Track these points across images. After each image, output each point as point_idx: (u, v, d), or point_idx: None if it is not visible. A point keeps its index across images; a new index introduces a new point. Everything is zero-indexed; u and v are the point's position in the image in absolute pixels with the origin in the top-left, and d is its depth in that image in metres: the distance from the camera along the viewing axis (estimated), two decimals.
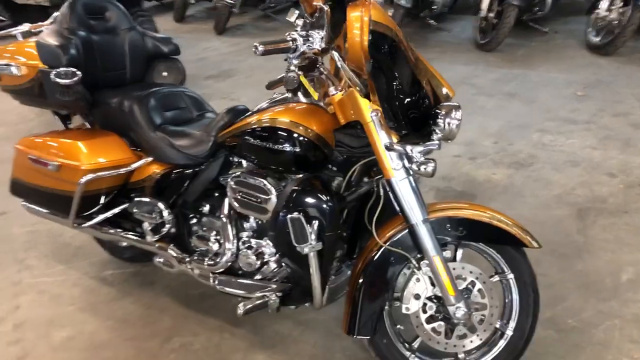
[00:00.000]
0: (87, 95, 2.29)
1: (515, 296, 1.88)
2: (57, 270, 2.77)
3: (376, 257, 1.82)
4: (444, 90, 1.77)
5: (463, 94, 4.46)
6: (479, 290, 1.86)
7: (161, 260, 2.33)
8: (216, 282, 2.08)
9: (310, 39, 1.67)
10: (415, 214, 1.75)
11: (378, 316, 1.84)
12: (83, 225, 2.39)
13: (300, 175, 1.84)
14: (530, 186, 3.14)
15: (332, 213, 1.77)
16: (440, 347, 1.87)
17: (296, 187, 1.80)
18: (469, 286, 1.86)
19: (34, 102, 2.44)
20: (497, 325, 1.90)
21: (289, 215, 1.73)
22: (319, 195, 1.77)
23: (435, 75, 1.76)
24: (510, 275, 1.88)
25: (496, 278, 1.90)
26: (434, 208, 1.84)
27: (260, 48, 1.60)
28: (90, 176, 2.21)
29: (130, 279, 2.68)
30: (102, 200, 2.36)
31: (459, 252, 1.88)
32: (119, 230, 2.41)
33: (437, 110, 1.70)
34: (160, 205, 2.23)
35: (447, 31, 6.50)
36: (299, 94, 1.86)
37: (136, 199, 2.30)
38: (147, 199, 2.27)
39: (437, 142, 1.70)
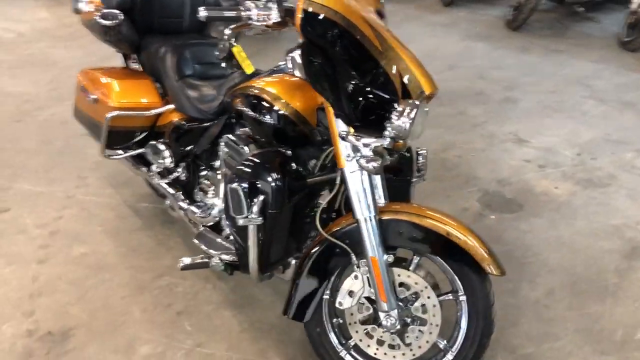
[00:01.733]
0: (132, 38, 2.44)
1: (464, 320, 1.74)
2: (105, 193, 3.07)
3: (319, 247, 1.78)
4: (418, 86, 1.62)
5: (570, 94, 4.02)
6: (422, 305, 1.74)
7: (168, 202, 2.47)
8: (195, 236, 2.17)
9: (268, 11, 1.63)
10: (361, 209, 1.67)
11: (315, 304, 1.81)
12: (111, 156, 2.60)
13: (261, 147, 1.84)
14: (590, 209, 2.79)
15: (278, 191, 1.74)
16: (370, 351, 1.80)
17: (249, 158, 1.80)
18: (412, 297, 1.75)
19: (98, 38, 2.66)
20: (441, 346, 1.77)
21: (230, 185, 1.74)
22: (268, 170, 1.75)
23: (411, 68, 1.62)
24: (463, 297, 1.73)
25: (449, 296, 1.76)
26: (389, 208, 1.74)
27: (203, 13, 1.59)
28: (115, 113, 2.38)
29: (159, 214, 2.87)
30: (131, 137, 2.54)
31: (415, 260, 1.77)
32: (144, 168, 2.59)
33: (395, 106, 1.57)
34: (166, 152, 2.36)
35: (595, 22, 5.82)
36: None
37: (150, 142, 2.44)
38: (157, 144, 2.40)
39: (387, 139, 1.59)
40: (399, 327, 1.72)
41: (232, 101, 2.04)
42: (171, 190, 2.42)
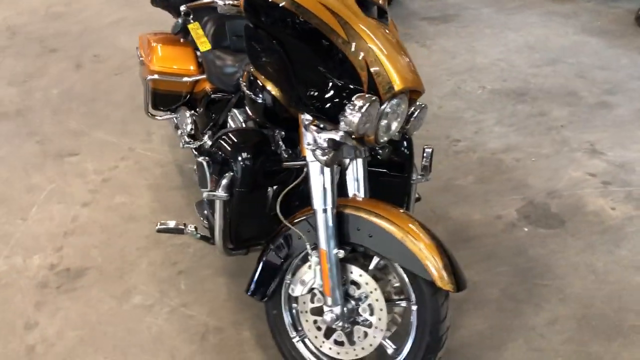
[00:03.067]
0: (176, 5, 2.56)
1: (412, 331, 1.66)
2: (161, 150, 3.27)
3: (283, 231, 1.78)
4: (387, 80, 1.54)
5: None
6: (369, 306, 1.69)
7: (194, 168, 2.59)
8: (196, 202, 2.25)
9: None
10: (318, 199, 1.64)
11: (274, 285, 1.82)
12: (154, 116, 2.77)
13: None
14: None
15: (246, 170, 1.76)
16: (316, 342, 1.79)
17: (224, 135, 1.83)
18: (362, 297, 1.70)
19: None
20: (389, 351, 1.71)
21: (197, 158, 1.79)
22: (239, 149, 1.77)
23: (382, 60, 1.54)
24: (414, 307, 1.65)
25: (402, 303, 1.69)
26: (352, 203, 1.69)
27: None
28: (154, 76, 2.53)
29: None
30: (173, 101, 2.68)
31: (375, 261, 1.71)
32: (178, 131, 2.73)
33: (352, 99, 1.51)
34: (189, 119, 2.46)
35: None
36: None
37: (180, 107, 2.56)
38: (184, 110, 2.52)
39: (340, 132, 1.54)
40: (340, 324, 1.69)
41: (242, 76, 2.07)
42: (196, 156, 2.53)
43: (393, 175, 2.02)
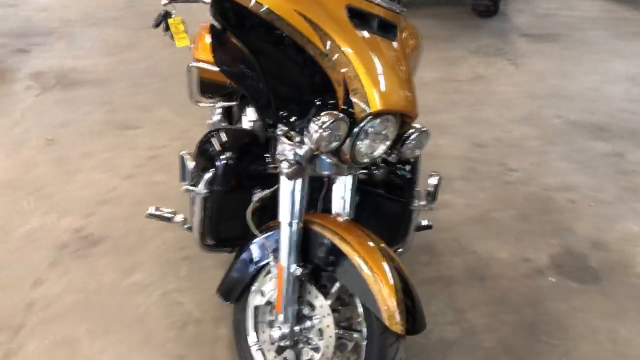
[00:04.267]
0: None
1: None
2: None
3: (254, 239, 1.74)
4: (364, 100, 1.45)
5: None
6: (319, 330, 1.61)
7: None
8: None
9: None
10: (284, 212, 1.59)
11: (239, 290, 1.79)
12: (198, 103, 2.83)
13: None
14: None
15: (226, 170, 1.75)
16: (269, 356, 1.74)
17: (215, 131, 1.82)
18: (314, 320, 1.63)
19: None
20: None
21: (180, 152, 1.79)
22: (223, 148, 1.76)
23: (362, 78, 1.45)
24: (364, 343, 1.55)
25: (355, 335, 1.60)
26: (321, 220, 1.62)
27: None
28: (195, 64, 2.58)
29: None
30: (218, 89, 2.72)
31: (337, 285, 1.63)
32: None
33: (319, 116, 1.43)
34: (218, 109, 2.48)
35: None
36: None
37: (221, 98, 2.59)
38: (220, 100, 2.54)
39: (305, 147, 1.47)
40: (288, 342, 1.63)
41: None
42: None
43: (391, 198, 1.92)
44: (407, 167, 1.89)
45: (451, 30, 4.93)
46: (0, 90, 3.91)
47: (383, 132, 1.56)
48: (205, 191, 1.78)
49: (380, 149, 1.58)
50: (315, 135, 1.40)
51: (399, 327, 1.44)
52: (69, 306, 2.17)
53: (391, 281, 1.48)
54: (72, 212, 2.69)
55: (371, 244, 1.57)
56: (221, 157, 1.76)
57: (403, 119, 1.61)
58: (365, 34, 1.54)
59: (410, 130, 1.71)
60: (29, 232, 2.57)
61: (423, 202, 1.92)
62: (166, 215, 1.96)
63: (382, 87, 1.47)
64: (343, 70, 1.45)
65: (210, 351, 1.99)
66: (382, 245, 1.58)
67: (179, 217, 1.94)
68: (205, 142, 1.81)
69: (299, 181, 1.58)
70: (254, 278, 1.76)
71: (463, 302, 2.19)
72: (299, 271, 1.59)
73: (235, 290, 1.80)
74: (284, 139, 1.56)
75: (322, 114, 1.42)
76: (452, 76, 4.08)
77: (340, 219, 1.67)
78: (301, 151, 1.50)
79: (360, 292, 1.51)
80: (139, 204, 2.74)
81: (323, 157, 1.58)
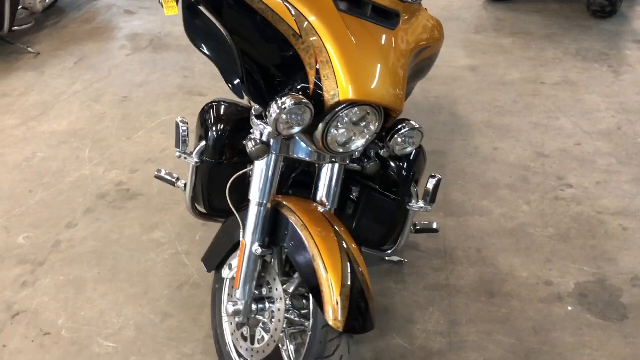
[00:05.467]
0: None
1: (301, 357, 1.55)
2: None
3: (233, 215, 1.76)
4: (334, 87, 1.40)
5: None
6: (271, 312, 1.61)
7: None
8: None
9: None
10: (254, 191, 1.60)
11: (218, 260, 1.83)
12: None
13: None
14: None
15: (216, 142, 1.78)
16: (229, 329, 1.77)
17: (214, 102, 1.84)
18: (269, 302, 1.63)
19: None
20: None
21: (177, 119, 1.84)
22: (217, 119, 1.78)
23: (333, 64, 1.40)
24: (309, 334, 1.53)
25: (303, 323, 1.58)
26: (292, 204, 1.60)
27: None
28: None
29: None
30: None
31: None
32: None
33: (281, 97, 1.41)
34: None
35: None
36: None
37: None
38: None
39: (268, 129, 1.46)
40: (240, 319, 1.65)
41: None
42: None
43: (384, 194, 1.85)
44: (403, 164, 1.80)
45: (553, 29, 4.56)
46: (98, 47, 4.23)
47: (362, 124, 1.50)
48: (197, 160, 1.83)
49: (360, 142, 1.53)
50: (273, 116, 1.39)
51: (338, 324, 1.41)
52: (89, 251, 2.35)
53: (341, 278, 1.45)
54: (120, 166, 2.88)
55: (333, 237, 1.53)
56: (214, 128, 1.79)
57: (388, 113, 1.54)
58: (353, 19, 1.49)
59: (401, 126, 1.64)
60: (79, 178, 2.79)
61: (420, 203, 1.84)
62: (170, 179, 2.03)
63: (357, 77, 1.42)
64: (316, 53, 1.42)
65: (195, 315, 2.07)
66: (346, 241, 1.53)
67: (180, 183, 2.01)
68: (203, 112, 1.86)
69: (270, 162, 1.57)
70: (231, 251, 1.79)
71: (461, 315, 2.07)
72: (259, 250, 1.60)
73: (214, 260, 1.85)
74: (254, 118, 1.56)
75: (284, 96, 1.40)
76: (538, 78, 3.79)
77: (319, 208, 1.65)
78: (266, 132, 1.49)
79: (309, 283, 1.49)
80: (182, 168, 2.86)
81: (299, 141, 1.57)
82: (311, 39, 1.42)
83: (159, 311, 2.07)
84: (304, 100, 1.39)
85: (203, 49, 1.62)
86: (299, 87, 1.44)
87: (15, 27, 4.02)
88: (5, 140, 3.11)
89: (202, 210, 1.98)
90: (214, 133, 1.79)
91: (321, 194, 1.68)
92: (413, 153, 1.82)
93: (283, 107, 1.37)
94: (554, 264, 2.31)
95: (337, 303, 1.41)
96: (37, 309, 2.07)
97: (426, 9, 1.96)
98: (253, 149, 1.48)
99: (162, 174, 2.05)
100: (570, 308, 2.12)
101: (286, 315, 1.58)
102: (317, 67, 1.42)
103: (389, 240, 1.96)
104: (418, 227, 2.04)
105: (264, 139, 1.51)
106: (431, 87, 3.73)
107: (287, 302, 1.60)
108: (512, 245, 2.41)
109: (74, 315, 2.05)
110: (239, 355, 1.74)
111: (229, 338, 1.79)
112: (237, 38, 1.48)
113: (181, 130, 1.83)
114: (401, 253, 2.29)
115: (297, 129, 1.43)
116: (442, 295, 2.16)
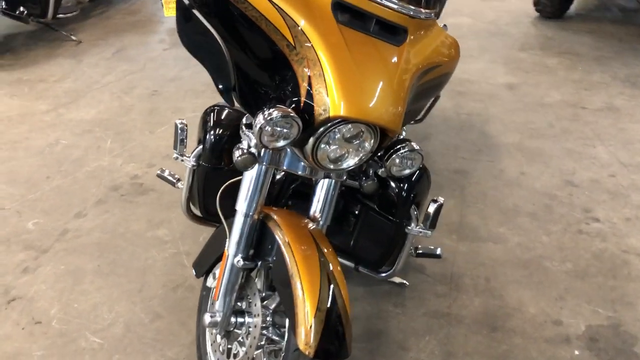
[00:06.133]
0: None
1: None
2: None
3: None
4: (324, 102, 1.34)
5: None
6: (248, 328, 1.56)
7: None
8: None
9: None
10: (240, 201, 1.56)
11: (206, 267, 1.80)
12: None
13: None
14: None
15: (213, 147, 1.75)
16: (210, 339, 1.73)
17: (215, 106, 1.81)
18: (247, 317, 1.58)
19: None
20: None
21: (177, 119, 1.82)
22: (215, 124, 1.75)
23: (326, 78, 1.34)
24: (282, 354, 1.48)
25: (278, 343, 1.53)
26: (280, 217, 1.54)
27: None
28: None
29: None
30: None
31: None
32: None
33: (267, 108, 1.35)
34: None
35: None
36: None
37: None
38: None
39: (252, 139, 1.42)
40: (216, 331, 1.60)
41: None
42: None
43: (382, 215, 1.78)
44: (404, 185, 1.73)
45: (604, 51, 4.35)
46: (138, 39, 4.29)
47: (354, 142, 1.44)
48: (193, 164, 1.80)
49: (353, 160, 1.47)
50: (257, 127, 1.33)
51: (308, 349, 1.34)
52: (93, 242, 2.36)
53: (317, 300, 1.38)
54: (138, 160, 2.90)
55: (315, 257, 1.46)
56: (212, 132, 1.76)
57: (384, 132, 1.46)
58: (353, 32, 1.42)
59: (400, 146, 1.57)
60: (96, 168, 2.82)
61: (418, 227, 1.76)
62: (171, 179, 2.01)
63: (351, 93, 1.36)
64: (310, 66, 1.36)
65: (185, 318, 2.04)
66: (330, 263, 1.46)
67: (181, 184, 1.98)
68: (204, 115, 1.83)
69: (260, 173, 1.53)
70: (218, 260, 1.75)
71: (458, 347, 1.97)
72: (241, 263, 1.55)
73: (203, 266, 1.82)
74: (243, 127, 1.52)
75: (271, 108, 1.34)
76: (579, 102, 3.62)
77: (309, 224, 1.58)
78: (253, 142, 1.44)
79: (285, 302, 1.44)
80: None
81: (291, 154, 1.51)
82: (305, 50, 1.36)
83: (150, 311, 2.06)
84: (291, 114, 1.33)
85: (195, 53, 1.58)
86: (289, 100, 1.39)
87: (60, 15, 4.13)
88: (34, 124, 3.17)
89: (198, 213, 1.95)
90: (212, 137, 1.75)
91: (314, 209, 1.62)
92: (415, 174, 1.74)
93: (269, 118, 1.32)
94: (566, 302, 2.18)
95: (310, 326, 1.35)
96: (33, 297, 2.09)
97: (445, 25, 1.87)
98: (239, 158, 1.43)
99: (165, 173, 2.03)
100: (577, 352, 1.99)
101: (263, 332, 1.53)
102: (310, 80, 1.36)
103: (386, 261, 1.89)
104: (419, 251, 1.96)
105: (252, 149, 1.46)
106: (465, 103, 3.61)
107: (268, 319, 1.55)
108: (524, 277, 2.29)
109: (67, 307, 2.05)
110: None
111: (209, 348, 1.75)
112: (230, 45, 1.44)
113: (179, 132, 1.80)
114: (404, 275, 2.22)
115: (282, 143, 1.37)
116: (441, 324, 2.06)
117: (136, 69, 3.84)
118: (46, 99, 3.43)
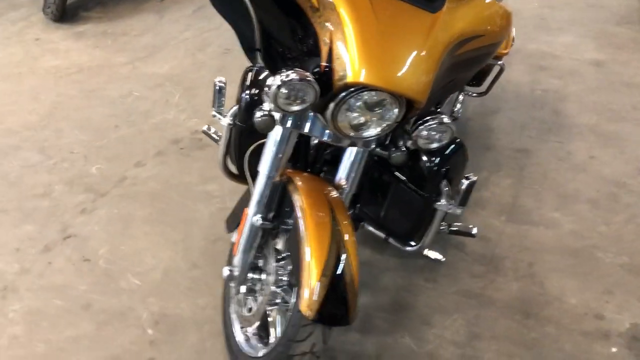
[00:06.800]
0: None
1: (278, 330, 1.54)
2: None
3: None
4: (343, 68, 1.32)
5: None
6: (261, 285, 1.61)
7: None
8: None
9: None
10: (264, 163, 1.58)
11: (237, 224, 1.84)
12: None
13: None
14: None
15: (245, 106, 1.76)
16: (233, 289, 1.78)
17: (254, 66, 1.82)
18: (262, 274, 1.62)
19: None
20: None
21: (217, 77, 1.85)
22: (252, 84, 1.76)
23: (347, 43, 1.31)
24: (289, 313, 1.51)
25: (287, 301, 1.56)
26: (300, 180, 1.55)
27: None
28: None
29: None
30: None
31: None
32: None
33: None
34: None
35: None
36: None
37: None
38: None
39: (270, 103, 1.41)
40: (233, 284, 1.66)
41: None
42: None
43: (411, 188, 1.74)
44: (435, 159, 1.67)
45: None
46: None
47: (377, 110, 1.41)
48: (229, 122, 1.83)
49: (375, 129, 1.44)
50: (272, 90, 1.34)
51: (309, 312, 1.36)
52: (147, 191, 2.49)
53: (323, 266, 1.39)
54: (201, 115, 2.99)
55: (328, 224, 1.46)
56: (248, 92, 1.78)
57: (410, 102, 1.42)
58: None
59: (429, 118, 1.52)
60: (161, 121, 2.95)
61: (448, 204, 1.71)
62: (215, 137, 2.07)
63: (372, 59, 1.33)
64: (332, 30, 1.34)
65: (220, 270, 2.06)
66: (343, 231, 1.45)
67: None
68: (243, 75, 1.85)
69: (281, 136, 1.53)
70: None
71: (485, 330, 1.92)
72: (258, 222, 1.58)
73: (233, 222, 1.87)
74: (266, 88, 1.51)
75: (289, 71, 1.34)
76: None
77: (331, 191, 1.57)
78: (268, 103, 1.44)
79: (294, 264, 1.47)
80: None
81: (315, 119, 1.50)
82: (328, 13, 1.34)
83: (189, 260, 2.15)
84: (308, 78, 1.32)
85: (223, 12, 1.59)
86: (311, 63, 1.38)
87: None
88: (111, 75, 3.35)
89: (234, 171, 1.99)
90: (247, 97, 1.77)
91: (340, 176, 1.62)
92: (449, 148, 1.68)
93: (285, 81, 1.32)
94: (613, 297, 2.05)
95: (313, 290, 1.36)
96: (86, 236, 2.24)
97: None
98: (259, 119, 1.45)
99: (210, 131, 2.09)
100: (614, 349, 1.87)
101: (274, 289, 1.56)
102: (331, 44, 1.34)
103: (415, 235, 1.85)
104: (453, 228, 1.91)
105: (272, 112, 1.47)
106: (543, 78, 3.41)
107: (284, 278, 1.58)
108: (572, 266, 2.17)
109: (115, 248, 2.19)
110: (237, 317, 1.76)
111: (231, 300, 1.82)
112: (256, 6, 1.44)
113: (217, 90, 1.84)
114: (442, 251, 2.16)
115: (298, 107, 1.37)
116: (472, 304, 2.01)
117: (212, 27, 3.92)
118: (126, 51, 3.60)
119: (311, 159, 1.88)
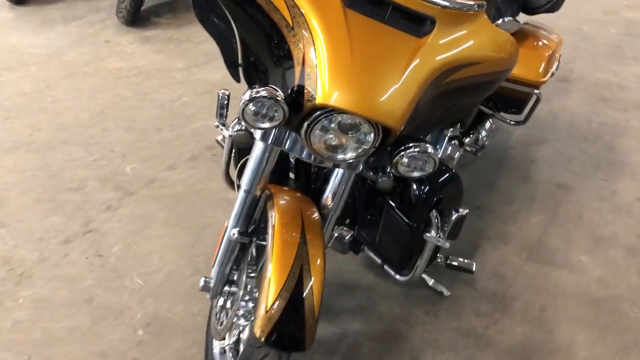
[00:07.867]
0: None
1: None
2: None
3: None
4: (313, 88, 1.30)
5: None
6: (232, 297, 1.61)
7: None
8: None
9: None
10: (244, 176, 1.59)
11: None
12: None
13: None
14: None
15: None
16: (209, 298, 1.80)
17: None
18: (233, 287, 1.62)
19: None
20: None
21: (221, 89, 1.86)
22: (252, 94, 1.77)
23: (319, 64, 1.29)
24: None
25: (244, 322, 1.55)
26: (279, 197, 1.54)
27: None
28: None
29: None
30: None
31: None
32: None
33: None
34: None
35: None
36: None
37: None
38: None
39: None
40: (209, 296, 1.67)
41: None
42: None
43: (399, 215, 1.68)
44: (424, 187, 1.61)
45: None
46: None
47: (350, 134, 1.38)
48: (230, 134, 1.85)
49: (350, 153, 1.41)
50: (240, 105, 1.34)
51: (260, 332, 1.34)
52: (172, 193, 2.57)
53: (281, 287, 1.37)
54: None
55: (295, 244, 1.43)
56: (244, 99, 1.78)
57: (386, 128, 1.38)
58: (363, 18, 1.35)
59: (412, 144, 1.47)
60: (201, 127, 3.04)
61: (437, 236, 1.64)
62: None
63: (343, 82, 1.30)
64: (305, 49, 1.32)
65: None
66: (312, 254, 1.42)
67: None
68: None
69: (260, 151, 1.53)
70: None
71: None
72: (235, 236, 1.59)
73: None
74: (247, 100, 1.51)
75: (260, 87, 1.34)
76: None
77: (309, 211, 1.55)
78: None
79: (256, 283, 1.45)
80: None
81: (295, 137, 1.49)
82: (302, 33, 1.33)
83: (192, 266, 2.20)
84: (277, 96, 1.31)
85: (207, 27, 1.61)
86: (284, 82, 1.37)
87: None
88: (167, 80, 3.50)
89: (234, 180, 2.01)
90: (244, 105, 1.78)
91: (326, 196, 1.60)
92: (441, 179, 1.61)
93: (253, 97, 1.32)
94: (628, 355, 1.87)
95: (267, 311, 1.35)
96: (106, 232, 2.35)
97: (517, 20, 1.65)
98: (234, 133, 1.46)
99: (224, 141, 2.12)
100: None
101: (242, 303, 1.56)
102: (303, 64, 1.33)
103: (406, 264, 1.79)
104: (451, 262, 1.82)
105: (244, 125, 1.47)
106: (603, 110, 3.19)
107: (250, 292, 1.57)
108: (589, 316, 2.00)
109: (128, 247, 2.28)
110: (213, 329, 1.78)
111: (212, 311, 1.83)
112: (237, 23, 1.45)
113: (220, 100, 1.86)
114: (449, 285, 2.07)
115: (267, 124, 1.36)
116: (469, 344, 1.91)
117: None
118: (185, 57, 3.75)
119: (304, 174, 1.87)
